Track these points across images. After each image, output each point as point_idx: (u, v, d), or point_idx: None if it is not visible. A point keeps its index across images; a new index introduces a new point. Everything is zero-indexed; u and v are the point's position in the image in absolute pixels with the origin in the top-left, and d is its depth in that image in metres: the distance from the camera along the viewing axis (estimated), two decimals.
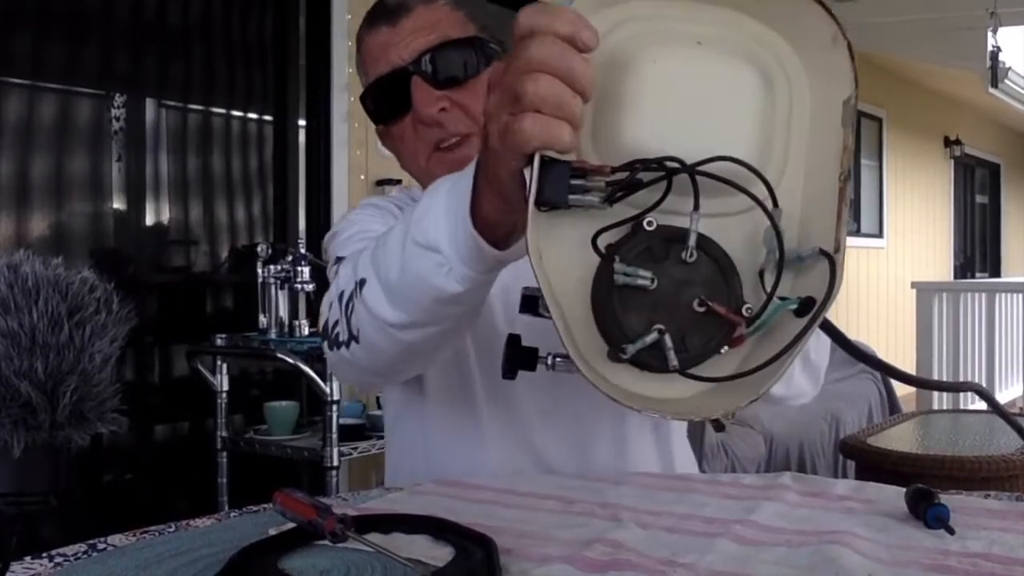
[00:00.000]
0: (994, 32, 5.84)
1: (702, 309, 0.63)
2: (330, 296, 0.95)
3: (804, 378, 1.02)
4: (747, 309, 0.63)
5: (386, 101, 1.11)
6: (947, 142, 9.62)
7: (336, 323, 0.92)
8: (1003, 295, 6.13)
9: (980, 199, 11.39)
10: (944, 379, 5.78)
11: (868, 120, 7.92)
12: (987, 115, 10.15)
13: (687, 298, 0.63)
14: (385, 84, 1.09)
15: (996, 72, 6.08)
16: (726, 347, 0.64)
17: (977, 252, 11.27)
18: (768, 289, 0.64)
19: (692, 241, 0.63)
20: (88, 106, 3.01)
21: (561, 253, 0.65)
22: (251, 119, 3.50)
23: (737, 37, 0.66)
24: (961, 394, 5.75)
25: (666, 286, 0.63)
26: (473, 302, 0.83)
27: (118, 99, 3.06)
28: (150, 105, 3.18)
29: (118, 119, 3.06)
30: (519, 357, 0.69)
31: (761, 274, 0.65)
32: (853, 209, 7.75)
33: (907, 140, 8.65)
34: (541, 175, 0.62)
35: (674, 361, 0.62)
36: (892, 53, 7.43)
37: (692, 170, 0.62)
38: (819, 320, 0.61)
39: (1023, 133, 11.69)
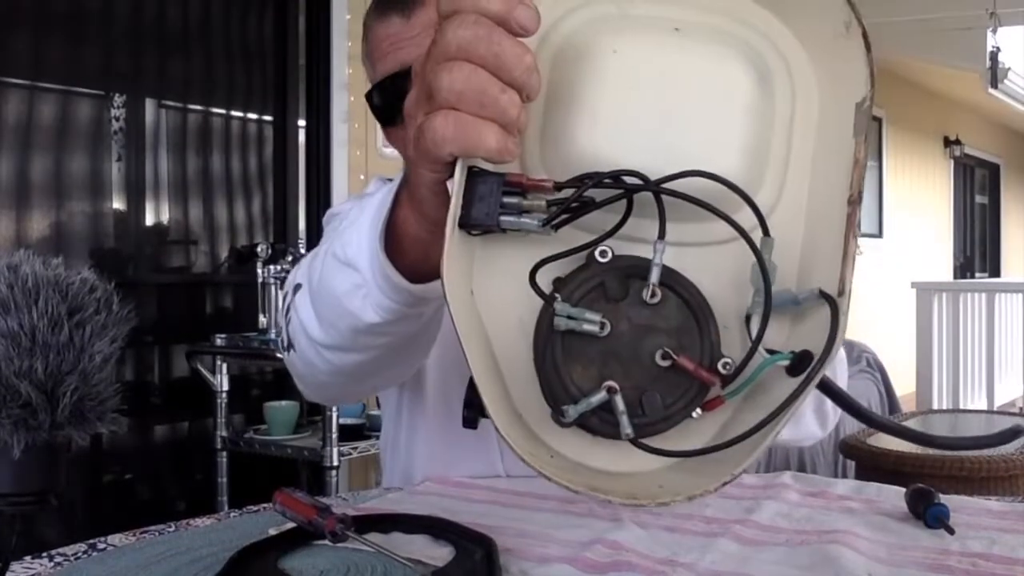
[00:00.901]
0: (994, 32, 5.84)
1: (667, 363, 0.50)
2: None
3: (814, 421, 0.98)
4: (725, 364, 0.51)
5: (394, 102, 0.99)
6: (947, 142, 9.62)
7: (281, 327, 0.86)
8: (1003, 295, 6.13)
9: (980, 199, 11.39)
10: (944, 379, 5.78)
11: None
12: (987, 115, 10.15)
13: (648, 349, 0.51)
14: (393, 83, 0.98)
15: (996, 72, 6.08)
16: (699, 410, 0.51)
17: (977, 252, 11.27)
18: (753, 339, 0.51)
19: (655, 277, 0.50)
20: (88, 106, 3.02)
21: (500, 290, 0.53)
22: (251, 119, 3.50)
23: (727, 23, 0.54)
24: (961, 394, 5.76)
25: (622, 333, 0.51)
26: (403, 334, 0.71)
27: (118, 99, 3.06)
28: (150, 105, 3.18)
29: (118, 119, 3.06)
30: (481, 403, 0.49)
31: (748, 320, 0.52)
32: None
33: (907, 140, 8.65)
34: (467, 190, 0.50)
35: (627, 428, 0.49)
36: (892, 53, 7.43)
37: (656, 188, 0.50)
38: (815, 381, 0.48)
39: (1023, 133, 11.68)
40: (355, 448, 2.78)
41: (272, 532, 0.77)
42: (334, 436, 2.66)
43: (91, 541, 0.79)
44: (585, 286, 0.51)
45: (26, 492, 0.62)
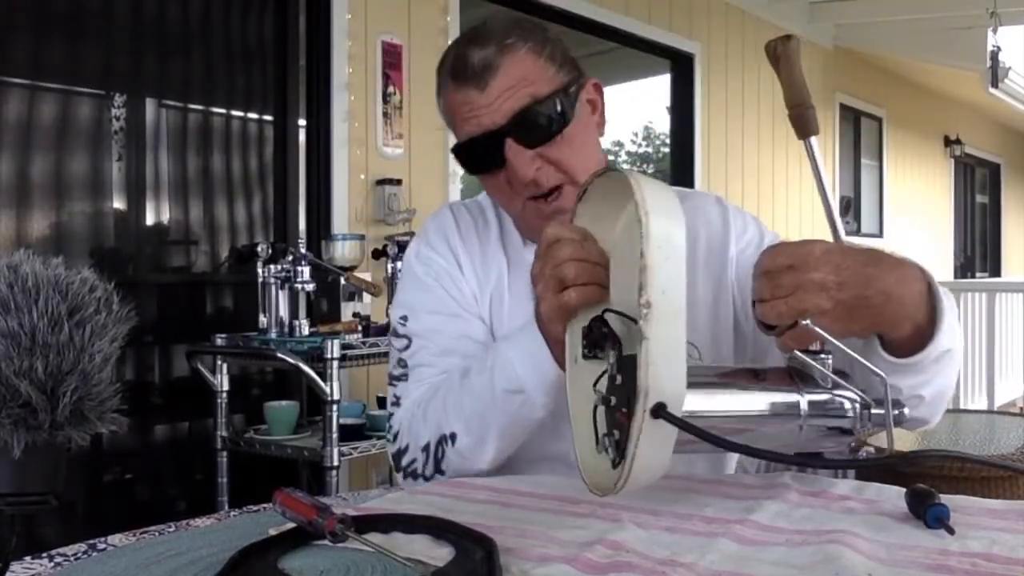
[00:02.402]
0: (994, 32, 5.84)
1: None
2: (406, 434, 1.13)
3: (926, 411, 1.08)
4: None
5: (480, 159, 1.15)
6: (947, 141, 9.62)
7: (414, 460, 1.11)
8: (1003, 295, 6.12)
9: (980, 199, 11.39)
10: None
11: (868, 120, 7.92)
12: (987, 115, 10.15)
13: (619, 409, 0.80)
14: (478, 144, 1.12)
15: (996, 72, 6.07)
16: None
17: (977, 252, 11.27)
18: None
19: (610, 370, 0.82)
20: (88, 106, 3.02)
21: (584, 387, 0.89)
22: (251, 119, 3.50)
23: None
24: (961, 394, 5.75)
25: (617, 403, 0.80)
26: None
27: (118, 99, 3.06)
28: (150, 105, 3.18)
29: (118, 119, 3.06)
30: None
31: None
32: (854, 208, 7.78)
33: (907, 140, 8.65)
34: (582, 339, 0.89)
35: (612, 454, 0.80)
36: (892, 53, 7.43)
37: (603, 320, 0.85)
38: (639, 423, 0.75)
39: (1023, 133, 11.68)
40: (355, 448, 2.78)
41: (272, 532, 0.77)
42: (334, 436, 2.66)
43: (91, 541, 0.79)
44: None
45: (26, 492, 0.62)
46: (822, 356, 0.89)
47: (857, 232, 7.77)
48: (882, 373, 0.88)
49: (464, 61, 1.11)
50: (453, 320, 1.19)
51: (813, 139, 0.99)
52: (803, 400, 0.88)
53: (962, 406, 5.53)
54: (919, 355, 0.94)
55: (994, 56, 5.95)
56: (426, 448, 1.10)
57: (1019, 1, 5.70)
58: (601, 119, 1.21)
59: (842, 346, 0.87)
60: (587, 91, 1.18)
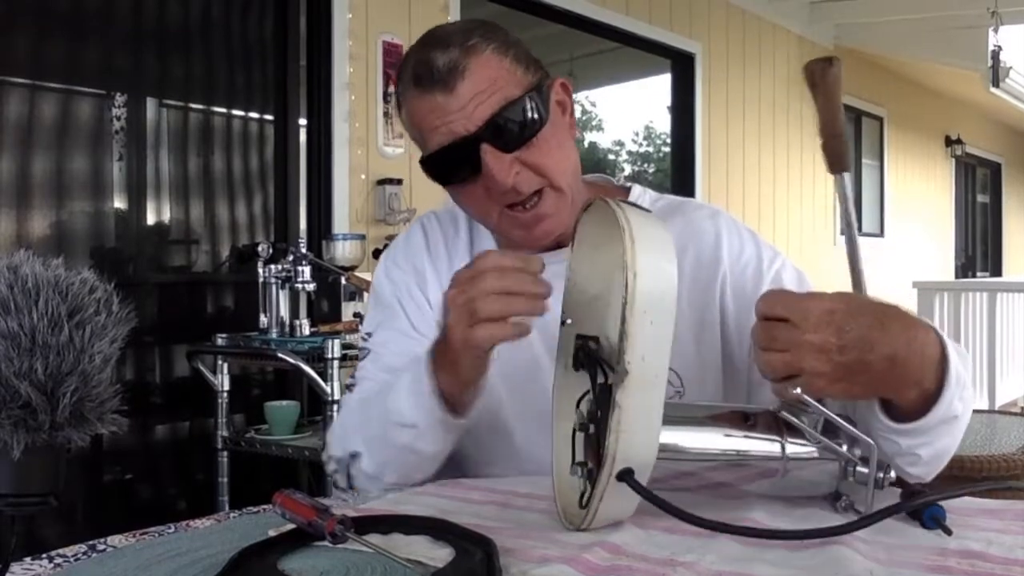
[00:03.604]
0: (995, 31, 5.84)
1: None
2: (331, 444, 1.12)
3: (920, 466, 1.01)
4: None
5: (453, 168, 1.08)
6: (948, 141, 9.61)
7: (335, 471, 1.11)
8: (1004, 295, 6.12)
9: (981, 198, 11.39)
10: None
11: (869, 119, 7.92)
12: (988, 114, 10.14)
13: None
14: (450, 152, 1.06)
15: (997, 71, 6.07)
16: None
17: (978, 251, 11.27)
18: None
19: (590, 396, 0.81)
20: (88, 106, 3.02)
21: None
22: (252, 118, 3.50)
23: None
24: None
25: (594, 439, 0.79)
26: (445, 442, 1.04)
27: (118, 99, 3.06)
28: (150, 105, 3.18)
29: (118, 119, 3.06)
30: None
31: None
32: (855, 208, 7.79)
33: (908, 139, 8.64)
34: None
35: (581, 487, 0.81)
36: (893, 53, 7.43)
37: (585, 346, 0.83)
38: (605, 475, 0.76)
39: None
40: None
41: (272, 533, 0.77)
42: None
43: (91, 542, 0.79)
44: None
45: (26, 493, 0.62)
46: (811, 411, 0.83)
47: (858, 231, 7.77)
48: (871, 440, 0.82)
49: (428, 65, 1.04)
50: (402, 338, 1.16)
51: (846, 175, 0.88)
52: (783, 452, 0.84)
53: None
54: (920, 421, 0.88)
55: (995, 55, 5.95)
56: (340, 461, 1.09)
57: (1020, 0, 5.70)
58: (572, 119, 1.15)
59: (829, 413, 0.82)
60: (556, 91, 1.13)
